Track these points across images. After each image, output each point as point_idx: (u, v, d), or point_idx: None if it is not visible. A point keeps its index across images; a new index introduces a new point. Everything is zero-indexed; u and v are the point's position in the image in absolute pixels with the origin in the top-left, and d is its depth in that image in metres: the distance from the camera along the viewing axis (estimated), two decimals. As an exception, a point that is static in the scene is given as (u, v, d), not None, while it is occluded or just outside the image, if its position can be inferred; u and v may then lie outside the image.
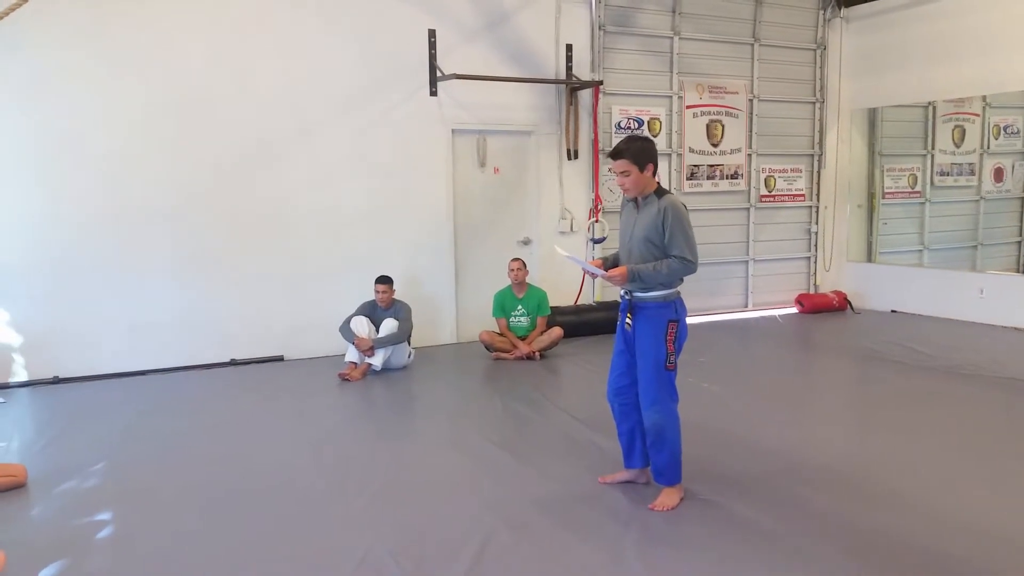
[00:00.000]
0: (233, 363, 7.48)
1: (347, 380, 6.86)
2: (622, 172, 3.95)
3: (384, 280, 7.23)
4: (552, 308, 7.93)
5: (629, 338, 4.05)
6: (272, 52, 7.48)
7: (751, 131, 10.06)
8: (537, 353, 7.51)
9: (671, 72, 9.50)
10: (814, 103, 10.45)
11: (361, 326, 7.08)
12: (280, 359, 7.69)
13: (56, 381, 6.91)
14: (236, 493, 4.40)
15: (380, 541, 3.71)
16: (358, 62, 7.80)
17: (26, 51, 6.65)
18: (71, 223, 6.89)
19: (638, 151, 3.93)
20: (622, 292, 4.07)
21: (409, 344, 7.33)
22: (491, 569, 3.41)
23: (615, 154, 3.97)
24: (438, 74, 8.00)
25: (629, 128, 9.23)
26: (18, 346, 6.84)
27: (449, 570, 3.39)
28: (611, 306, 8.57)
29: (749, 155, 10.09)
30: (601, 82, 8.86)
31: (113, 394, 6.60)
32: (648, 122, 9.42)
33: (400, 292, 7.47)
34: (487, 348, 7.63)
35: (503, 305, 7.73)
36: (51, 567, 3.53)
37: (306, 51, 7.60)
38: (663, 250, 3.89)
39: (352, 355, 7.05)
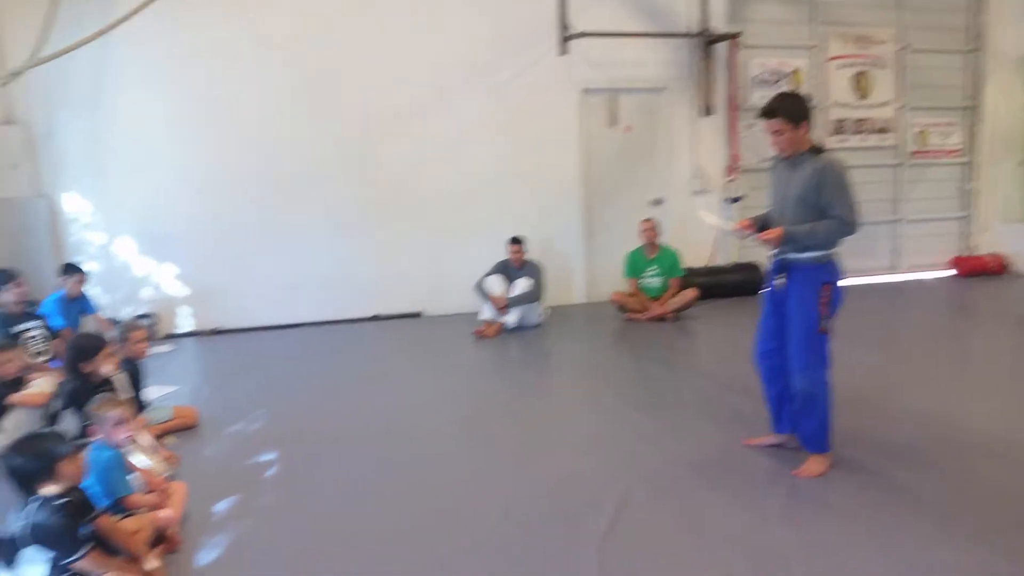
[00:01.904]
0: (375, 318, 7.82)
1: (482, 337, 7.04)
2: (775, 131, 3.82)
3: (517, 240, 7.34)
4: (685, 269, 7.81)
5: (779, 300, 3.94)
6: (406, 23, 7.66)
7: (901, 83, 9.44)
8: (670, 314, 7.45)
9: (812, 22, 9.02)
10: (969, 52, 9.68)
11: (495, 285, 7.24)
12: (418, 315, 7.97)
13: (217, 332, 7.45)
14: (383, 441, 4.64)
15: (521, 495, 3.82)
16: (487, 27, 7.86)
17: (185, 30, 7.10)
18: (230, 189, 7.37)
19: (792, 108, 3.78)
20: (775, 253, 3.96)
21: (541, 303, 7.42)
22: (632, 526, 3.45)
23: (767, 112, 3.83)
24: (568, 33, 7.93)
25: (768, 82, 8.87)
26: (184, 299, 7.42)
27: (590, 526, 3.46)
28: (747, 267, 8.36)
29: (899, 108, 9.49)
30: (739, 34, 8.54)
31: (268, 345, 7.06)
32: (789, 74, 9.01)
33: (532, 252, 7.56)
34: (619, 309, 7.63)
35: (635, 266, 7.69)
36: (226, 501, 3.86)
37: (438, 20, 7.74)
38: (819, 211, 3.74)
39: (487, 313, 7.23)
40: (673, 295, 7.56)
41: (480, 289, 7.26)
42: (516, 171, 8.08)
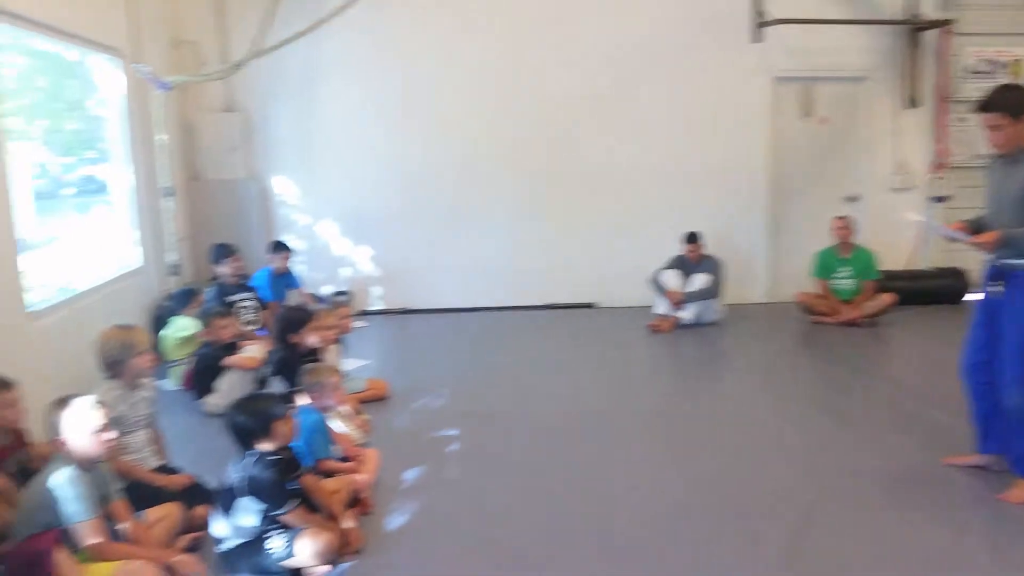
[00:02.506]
0: (549, 307, 7.96)
1: (656, 331, 6.98)
2: (992, 126, 3.52)
3: (693, 238, 7.19)
4: (880, 271, 7.33)
5: (993, 309, 3.64)
6: (594, 8, 7.66)
7: None
8: (862, 319, 7.02)
9: (1043, 5, 8.14)
10: None
11: (672, 279, 7.14)
12: (590, 306, 8.02)
13: (405, 311, 7.88)
14: (557, 427, 4.73)
15: (693, 496, 3.78)
16: (676, 12, 7.70)
17: (388, 24, 7.52)
18: (421, 177, 7.76)
19: (1013, 102, 3.47)
20: (990, 258, 3.65)
21: (719, 300, 7.24)
22: (814, 541, 3.32)
23: (985, 106, 3.53)
24: (762, 20, 7.62)
25: (984, 73, 8.11)
26: (376, 279, 7.90)
27: (769, 537, 3.36)
28: (950, 273, 7.72)
29: None
30: (952, 21, 7.86)
31: (450, 326, 7.38)
32: (1008, 65, 8.20)
33: (710, 247, 7.38)
34: (804, 310, 7.29)
35: (825, 265, 7.31)
36: (414, 470, 4.10)
37: (627, 4, 7.69)
38: (1042, 213, 3.42)
39: (661, 307, 7.15)
40: (866, 299, 7.12)
41: (655, 283, 7.19)
42: (699, 162, 7.90)
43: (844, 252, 7.25)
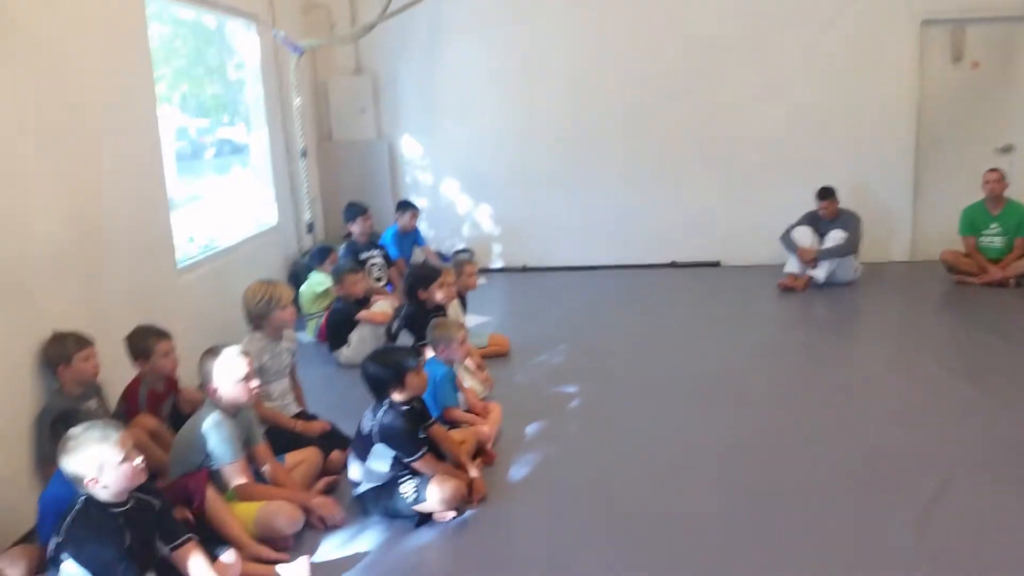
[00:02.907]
0: (673, 265, 7.82)
1: (787, 291, 6.73)
2: None
3: (827, 193, 6.83)
4: (1036, 228, 6.76)
5: None
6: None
7: None
8: (1012, 280, 6.52)
9: None
10: None
11: (804, 236, 6.85)
12: (717, 264, 7.83)
13: (524, 269, 7.94)
14: (679, 388, 4.68)
15: (825, 460, 3.66)
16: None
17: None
18: (541, 135, 7.74)
19: None
20: None
21: (856, 258, 6.89)
22: (953, 511, 3.15)
23: None
24: (912, -43, 7.08)
25: None
26: (496, 237, 7.99)
27: (905, 504, 3.22)
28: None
29: None
30: None
31: (570, 284, 7.39)
32: None
33: (848, 203, 7.00)
34: (949, 269, 6.83)
35: (973, 222, 6.81)
36: (535, 424, 4.17)
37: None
38: None
39: (792, 266, 6.88)
40: (1017, 258, 6.59)
41: (787, 240, 6.91)
42: (836, 112, 7.47)
43: (994, 207, 6.73)
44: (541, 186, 7.83)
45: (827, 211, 6.84)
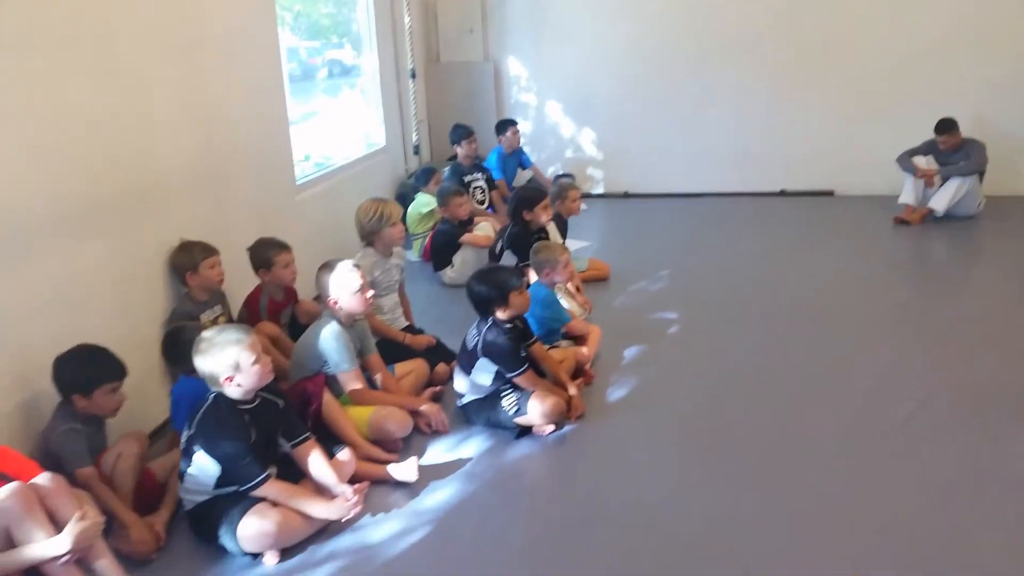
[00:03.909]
0: (783, 194, 7.59)
1: (903, 224, 6.45)
2: None
3: (946, 125, 6.37)
4: None
5: None
6: None
7: None
8: None
9: None
10: None
11: (923, 160, 6.50)
12: (830, 194, 7.54)
13: (626, 196, 7.88)
14: (784, 318, 4.62)
15: (940, 389, 3.59)
16: None
17: None
18: (645, 60, 7.54)
19: None
20: None
21: (979, 189, 6.49)
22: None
23: None
24: None
25: None
26: (599, 162, 7.93)
27: (1017, 432, 3.15)
28: None
29: None
30: None
31: (673, 211, 7.30)
32: None
33: (971, 132, 6.55)
34: (1085, 205, 6.38)
35: (1117, 154, 6.30)
36: (634, 348, 4.23)
37: None
38: None
39: (908, 196, 6.54)
40: None
41: (904, 160, 6.54)
42: (964, 36, 6.94)
43: None
44: (646, 110, 7.67)
45: (947, 144, 6.44)
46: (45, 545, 2.29)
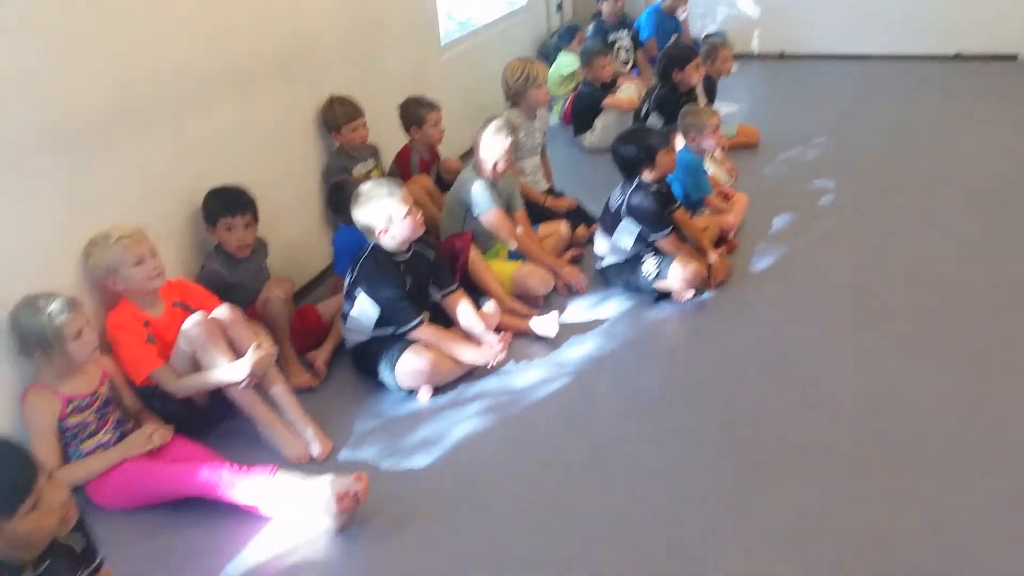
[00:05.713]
0: (958, 57, 6.89)
1: (1100, 91, 5.76)
2: None
3: None
4: None
5: None
6: None
7: None
8: None
9: None
10: None
11: None
12: (1014, 58, 6.78)
13: (782, 57, 7.39)
14: (948, 190, 4.32)
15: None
16: None
17: None
18: None
19: None
20: None
21: None
22: None
23: None
24: None
25: None
26: (753, 21, 7.42)
27: None
28: None
29: None
30: None
31: (833, 74, 6.81)
32: None
33: None
34: None
35: None
36: (782, 217, 4.10)
37: None
38: None
39: (1113, 61, 5.82)
40: None
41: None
42: None
43: None
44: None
45: None
46: (226, 370, 2.54)
